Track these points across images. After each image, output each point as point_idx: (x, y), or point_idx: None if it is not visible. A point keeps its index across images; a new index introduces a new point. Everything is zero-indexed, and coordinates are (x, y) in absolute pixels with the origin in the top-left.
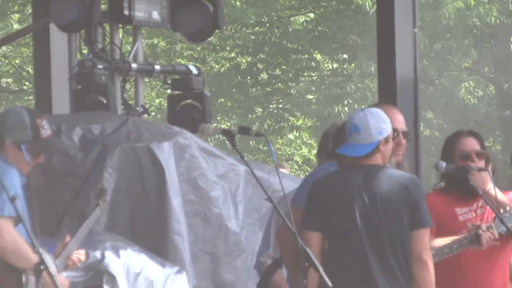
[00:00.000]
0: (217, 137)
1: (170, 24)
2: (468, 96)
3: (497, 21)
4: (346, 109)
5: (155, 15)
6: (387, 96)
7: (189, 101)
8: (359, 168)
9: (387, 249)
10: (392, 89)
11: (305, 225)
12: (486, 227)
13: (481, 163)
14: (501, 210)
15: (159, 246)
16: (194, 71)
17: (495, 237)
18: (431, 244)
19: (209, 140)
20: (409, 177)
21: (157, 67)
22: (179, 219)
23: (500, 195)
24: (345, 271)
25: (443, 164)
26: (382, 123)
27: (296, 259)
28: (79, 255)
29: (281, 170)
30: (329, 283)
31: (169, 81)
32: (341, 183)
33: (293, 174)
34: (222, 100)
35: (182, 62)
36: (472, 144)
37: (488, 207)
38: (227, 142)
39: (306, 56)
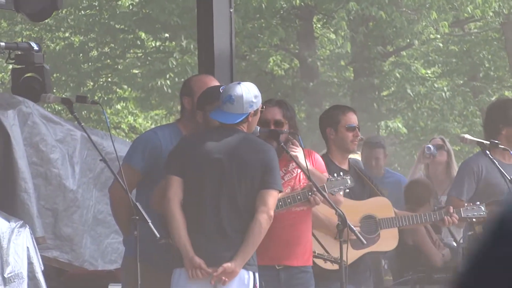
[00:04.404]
0: (53, 107)
1: (14, 5)
2: (276, 68)
3: (302, 3)
4: (168, 82)
5: None
6: (206, 70)
7: (31, 74)
8: (226, 131)
9: (237, 202)
10: (210, 64)
11: (168, 170)
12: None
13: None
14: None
15: (8, 203)
16: (35, 47)
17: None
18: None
19: (48, 109)
20: (265, 144)
21: (2, 43)
22: (25, 178)
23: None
24: (199, 219)
25: (257, 128)
26: (254, 97)
27: (128, 214)
28: None
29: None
30: (157, 234)
31: (12, 57)
32: (207, 140)
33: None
34: (57, 75)
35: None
36: (273, 113)
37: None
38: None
39: (132, 35)
